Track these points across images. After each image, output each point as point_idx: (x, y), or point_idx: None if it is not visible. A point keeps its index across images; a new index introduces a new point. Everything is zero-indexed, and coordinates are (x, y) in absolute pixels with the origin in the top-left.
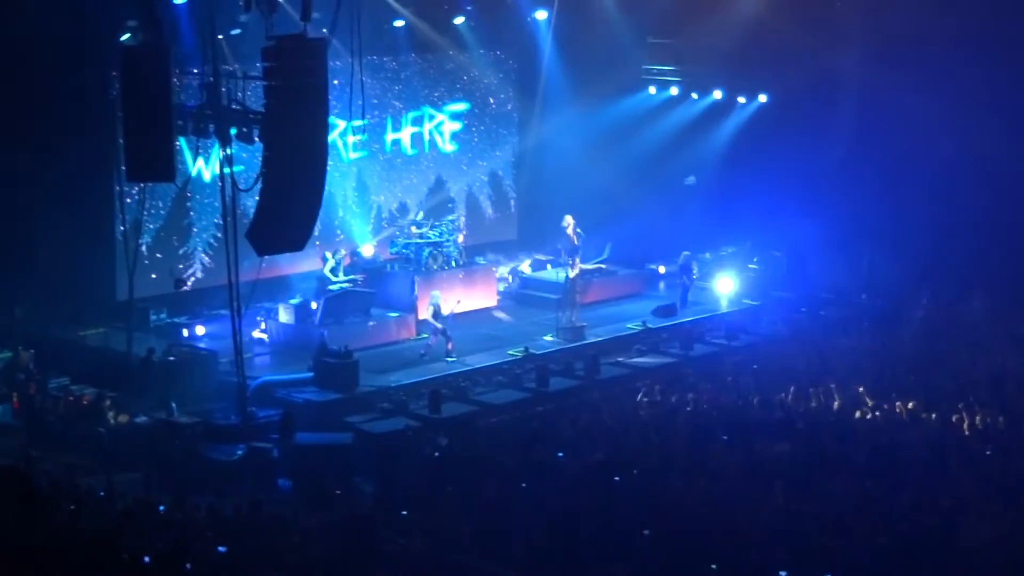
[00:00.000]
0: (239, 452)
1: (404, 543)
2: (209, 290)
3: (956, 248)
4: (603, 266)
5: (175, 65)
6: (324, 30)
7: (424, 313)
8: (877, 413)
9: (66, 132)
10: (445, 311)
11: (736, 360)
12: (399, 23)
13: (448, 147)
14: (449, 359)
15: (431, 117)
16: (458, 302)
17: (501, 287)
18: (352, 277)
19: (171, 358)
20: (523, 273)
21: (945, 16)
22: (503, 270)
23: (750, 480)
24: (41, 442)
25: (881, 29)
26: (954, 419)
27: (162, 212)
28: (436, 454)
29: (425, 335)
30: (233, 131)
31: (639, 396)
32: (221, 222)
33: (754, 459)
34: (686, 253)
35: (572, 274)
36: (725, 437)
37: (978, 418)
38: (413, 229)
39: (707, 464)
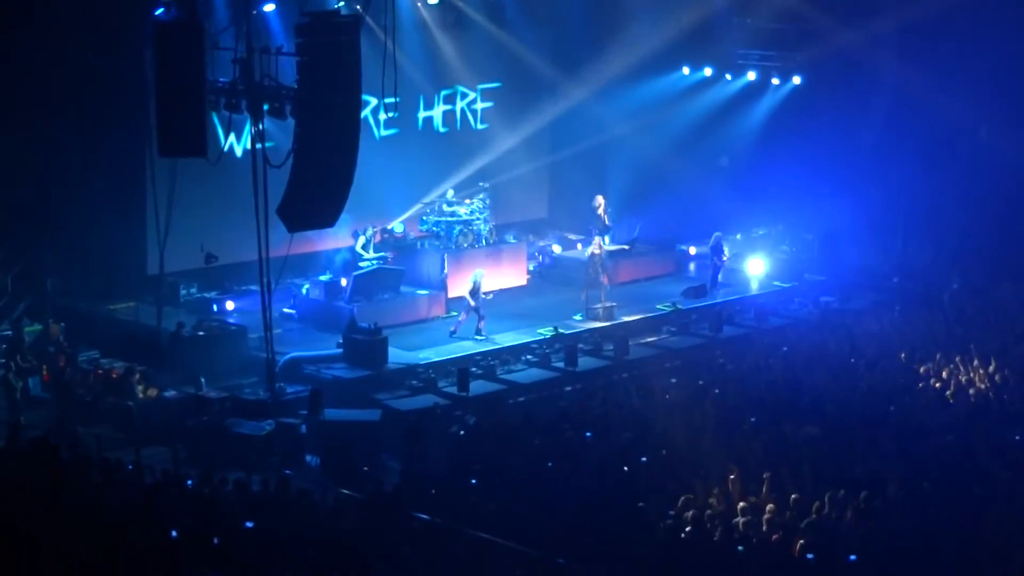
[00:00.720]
0: (267, 428)
1: (430, 520)
2: (239, 265)
3: (989, 232)
4: (627, 247)
5: (208, 41)
6: (357, 7)
7: (462, 289)
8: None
9: (99, 107)
10: (484, 291)
11: (766, 342)
12: (433, 1)
13: (480, 126)
14: (478, 337)
15: (463, 95)
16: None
17: (531, 266)
18: (382, 254)
19: (200, 333)
20: (553, 252)
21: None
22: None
23: (778, 463)
24: (70, 415)
25: (918, 12)
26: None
27: (193, 187)
28: (462, 432)
29: (455, 312)
30: (265, 107)
31: (669, 379)
32: (252, 198)
33: (782, 442)
34: (717, 234)
35: (589, 252)
36: (753, 419)
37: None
38: (444, 207)
39: (734, 446)
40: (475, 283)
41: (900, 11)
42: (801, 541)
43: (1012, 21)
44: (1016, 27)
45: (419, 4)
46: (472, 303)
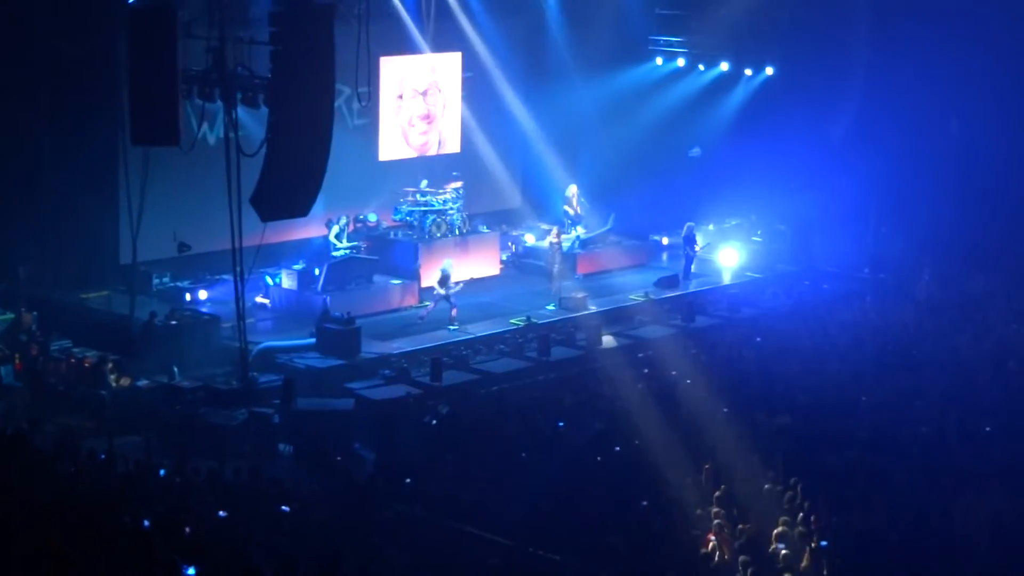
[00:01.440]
0: (240, 417)
1: (403, 510)
2: (212, 254)
3: (961, 224)
4: (607, 227)
5: (181, 29)
6: None
7: (433, 279)
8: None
9: (72, 94)
10: (454, 281)
11: (739, 333)
12: None
13: (453, 115)
14: (452, 327)
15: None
16: (469, 279)
17: (504, 255)
18: (355, 244)
19: (173, 322)
20: (525, 242)
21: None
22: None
23: (750, 453)
24: (43, 404)
25: (890, 6)
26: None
27: (166, 176)
28: (435, 422)
29: (427, 302)
30: (239, 96)
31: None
32: (226, 187)
33: (754, 432)
34: (690, 224)
35: (547, 241)
36: (725, 409)
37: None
38: (417, 196)
39: (706, 436)
40: (444, 273)
41: (874, 5)
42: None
43: (983, 15)
44: (987, 21)
45: None
46: (443, 292)
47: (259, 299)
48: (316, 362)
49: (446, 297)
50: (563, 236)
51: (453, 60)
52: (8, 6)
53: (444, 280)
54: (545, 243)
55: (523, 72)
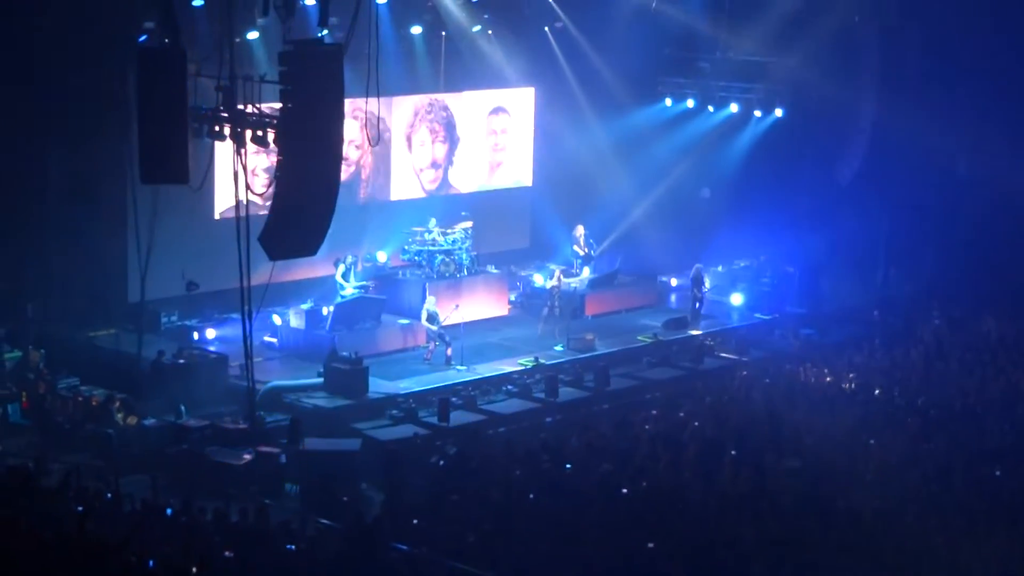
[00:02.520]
0: (247, 456)
1: (410, 550)
2: (221, 293)
3: (969, 266)
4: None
5: (191, 68)
6: (341, 35)
7: (422, 319)
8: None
9: (81, 132)
10: (442, 317)
11: (747, 375)
12: (416, 30)
13: (463, 155)
14: (459, 367)
15: None
16: (455, 307)
17: (512, 296)
18: (363, 283)
19: (181, 361)
20: (534, 282)
21: (962, 39)
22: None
23: (758, 495)
24: (50, 442)
25: (898, 49)
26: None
27: (175, 214)
28: (442, 462)
29: (428, 344)
30: (248, 135)
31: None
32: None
33: (763, 474)
34: (698, 266)
35: (550, 284)
36: (733, 452)
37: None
38: (426, 236)
39: (715, 479)
40: (428, 312)
41: (882, 46)
42: None
43: (991, 55)
44: (995, 61)
45: (402, 32)
46: (432, 327)
47: (267, 338)
48: (323, 402)
49: (440, 336)
50: (564, 280)
51: (470, 98)
52: (19, 40)
53: (432, 318)
54: (548, 284)
55: (532, 111)
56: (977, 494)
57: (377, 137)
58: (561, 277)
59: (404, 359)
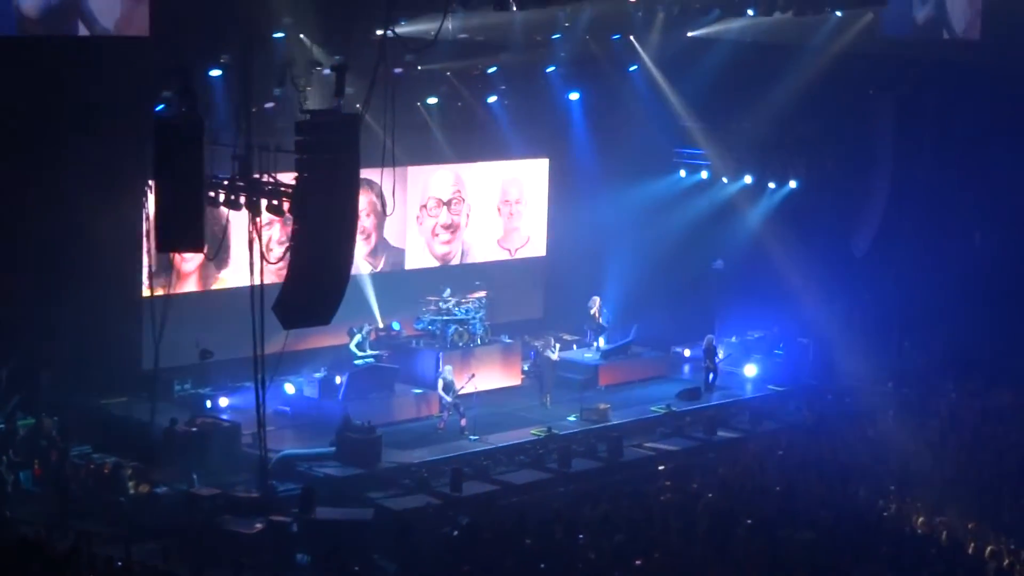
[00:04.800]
0: (259, 525)
1: None
2: (234, 361)
3: (985, 339)
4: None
5: (208, 136)
6: (357, 106)
7: (438, 389)
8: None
9: (95, 200)
10: (458, 386)
11: (760, 446)
12: (432, 100)
13: (477, 225)
14: (472, 437)
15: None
16: (471, 376)
17: (525, 366)
18: (377, 352)
19: (193, 429)
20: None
21: (978, 109)
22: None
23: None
24: (62, 510)
25: (914, 120)
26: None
27: (190, 282)
28: (455, 532)
29: (441, 413)
30: (264, 204)
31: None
32: (249, 293)
33: (777, 547)
34: (710, 337)
35: (554, 356)
36: (749, 521)
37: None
38: (440, 305)
39: (729, 550)
40: (444, 380)
41: (898, 119)
42: None
43: (1007, 126)
44: (1008, 130)
45: (418, 104)
46: (448, 399)
47: (280, 407)
48: (336, 471)
49: (455, 405)
50: (555, 352)
51: (485, 169)
52: (36, 111)
53: (448, 387)
54: (553, 357)
55: (546, 182)
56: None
57: (392, 206)
58: (554, 347)
59: (417, 428)
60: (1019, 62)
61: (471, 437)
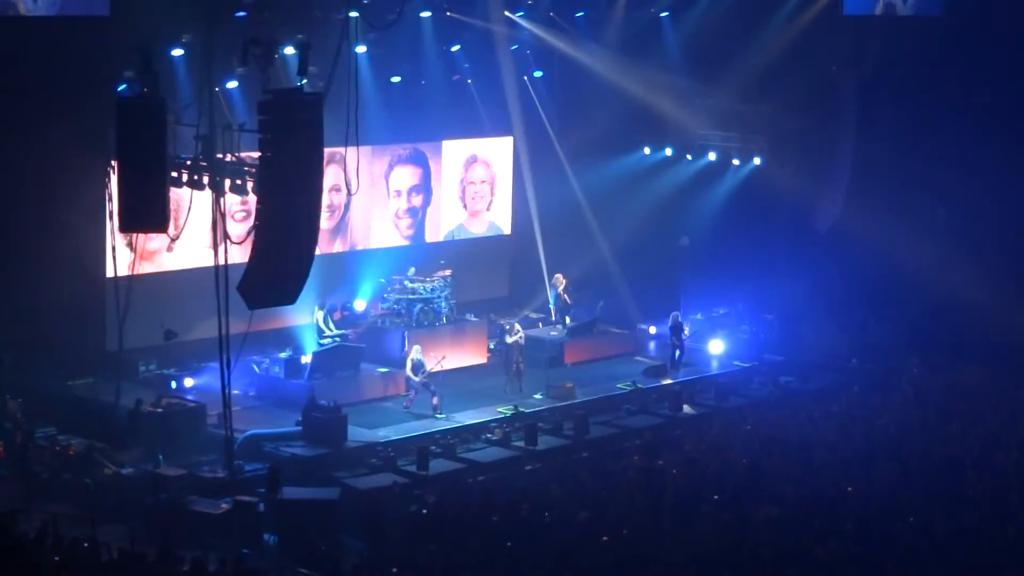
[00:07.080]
0: (225, 505)
1: None
2: (199, 342)
3: (950, 314)
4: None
5: (170, 116)
6: (320, 84)
7: (406, 369)
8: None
9: (58, 181)
10: (428, 366)
11: (726, 422)
12: (396, 79)
13: (442, 203)
14: (438, 416)
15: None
16: (443, 358)
17: (491, 344)
18: (342, 332)
19: (159, 410)
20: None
21: (942, 83)
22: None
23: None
24: (27, 492)
25: (877, 94)
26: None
27: (154, 262)
28: (423, 511)
29: (409, 392)
30: (227, 183)
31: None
32: (213, 274)
33: (743, 522)
34: (675, 314)
35: (511, 340)
36: (716, 497)
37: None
38: (405, 284)
39: (695, 526)
40: (413, 361)
41: (860, 94)
42: None
43: (970, 103)
44: (972, 107)
45: (382, 82)
46: (416, 378)
47: (245, 387)
48: (302, 451)
49: (425, 385)
50: (520, 335)
51: (449, 147)
52: None
53: (417, 367)
54: (510, 340)
55: (510, 160)
56: (957, 542)
57: (356, 185)
58: (522, 333)
59: (383, 408)
60: (982, 38)
61: (437, 415)
